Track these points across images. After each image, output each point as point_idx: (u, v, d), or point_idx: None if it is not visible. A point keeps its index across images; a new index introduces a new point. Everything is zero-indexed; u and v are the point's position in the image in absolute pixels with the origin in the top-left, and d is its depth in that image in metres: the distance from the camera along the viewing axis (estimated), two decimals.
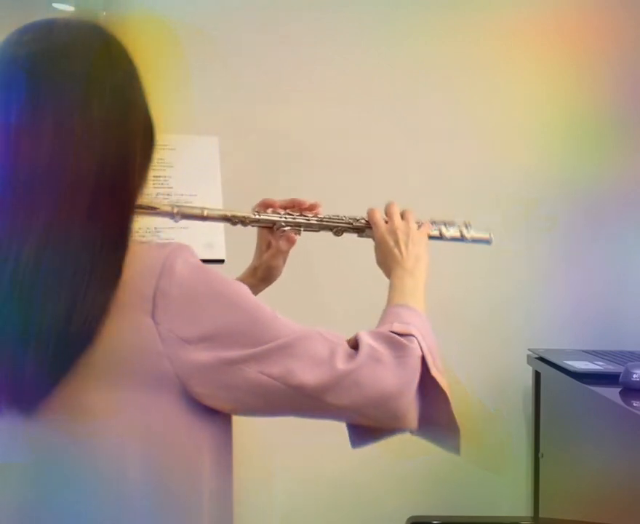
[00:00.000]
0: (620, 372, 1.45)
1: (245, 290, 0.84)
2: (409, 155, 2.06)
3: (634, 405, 1.33)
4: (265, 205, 1.15)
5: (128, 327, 0.77)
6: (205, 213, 1.09)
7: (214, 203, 1.33)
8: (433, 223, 1.17)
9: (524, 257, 2.06)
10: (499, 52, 2.03)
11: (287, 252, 1.16)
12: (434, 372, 0.88)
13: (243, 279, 1.18)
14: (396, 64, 2.07)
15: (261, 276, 1.18)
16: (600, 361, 1.71)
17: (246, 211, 1.12)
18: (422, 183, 2.06)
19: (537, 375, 1.91)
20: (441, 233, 1.17)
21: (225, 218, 1.11)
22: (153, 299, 0.77)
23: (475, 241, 1.21)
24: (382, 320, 0.96)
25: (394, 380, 0.84)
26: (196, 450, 0.82)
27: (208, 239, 1.30)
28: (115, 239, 0.78)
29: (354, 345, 0.86)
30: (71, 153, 0.77)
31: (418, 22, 2.05)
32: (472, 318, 2.02)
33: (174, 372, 0.78)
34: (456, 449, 0.93)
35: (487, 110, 2.04)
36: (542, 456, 1.88)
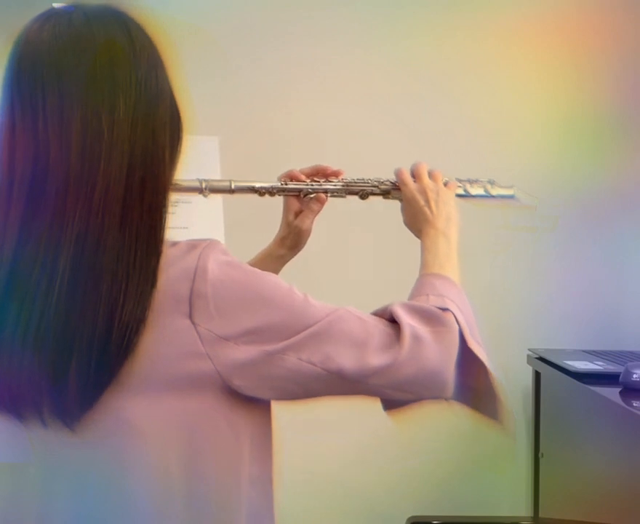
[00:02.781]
0: (620, 372, 1.45)
1: (276, 279, 0.83)
2: (408, 155, 2.05)
3: (634, 405, 1.33)
4: (290, 176, 1.15)
5: (167, 332, 0.76)
6: (233, 186, 1.10)
7: (215, 203, 1.33)
8: (458, 180, 1.16)
9: (524, 258, 2.06)
10: (499, 52, 2.03)
11: (318, 212, 1.16)
12: (471, 344, 0.87)
13: (270, 252, 1.18)
14: (395, 64, 2.07)
15: (290, 245, 1.17)
16: (600, 361, 1.71)
17: (272, 181, 1.13)
18: None
19: (537, 375, 1.91)
20: (465, 190, 1.17)
21: (253, 190, 1.11)
22: (189, 301, 0.76)
23: (500, 196, 1.20)
24: (417, 290, 0.95)
25: (436, 359, 0.83)
26: (234, 438, 0.82)
27: (207, 237, 1.29)
28: (149, 246, 0.77)
29: (389, 318, 0.85)
30: (101, 157, 0.74)
31: (418, 22, 2.06)
32: None
33: (215, 369, 0.77)
34: (495, 416, 0.92)
35: (487, 109, 2.05)
36: (542, 456, 1.88)
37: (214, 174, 1.39)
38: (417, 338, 0.82)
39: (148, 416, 0.77)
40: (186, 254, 0.79)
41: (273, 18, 2.06)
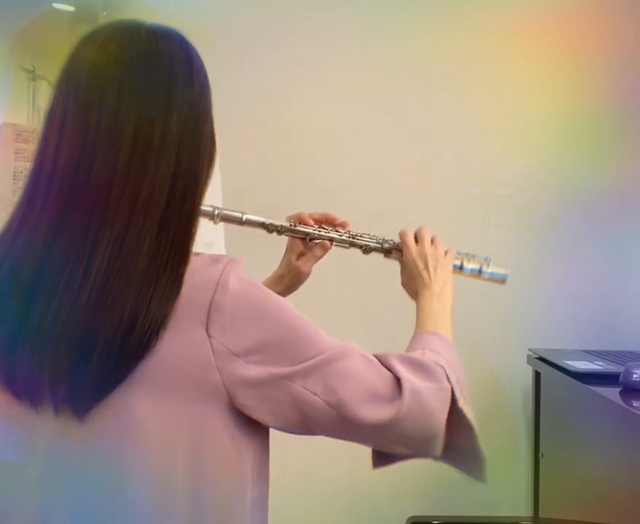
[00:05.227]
0: (620, 372, 1.45)
1: (290, 305, 0.86)
2: (408, 155, 2.06)
3: (634, 405, 1.33)
4: (299, 218, 1.18)
5: (182, 339, 0.78)
6: (244, 218, 1.14)
7: (215, 202, 1.34)
8: (458, 253, 1.19)
9: (524, 258, 2.05)
10: (499, 52, 2.03)
11: (320, 258, 1.19)
12: (461, 403, 0.89)
13: (267, 287, 1.20)
14: (395, 64, 2.06)
15: (288, 284, 1.20)
16: (600, 361, 1.71)
17: (282, 221, 1.17)
18: (422, 183, 2.06)
19: (537, 375, 1.91)
20: (462, 266, 1.20)
21: (262, 225, 1.15)
22: (208, 312, 0.78)
23: (491, 275, 1.23)
24: (413, 345, 0.97)
25: (433, 414, 0.85)
26: (239, 459, 0.83)
27: (208, 238, 1.30)
28: (179, 253, 0.80)
29: (386, 366, 0.86)
30: (148, 163, 0.78)
31: (418, 22, 2.05)
32: (472, 318, 2.02)
33: (222, 382, 0.79)
34: (481, 477, 0.93)
35: (487, 109, 2.04)
36: (542, 456, 1.88)
37: (214, 173, 1.39)
38: (415, 393, 0.84)
39: (153, 416, 0.78)
40: (210, 266, 0.81)
41: (273, 18, 2.06)
